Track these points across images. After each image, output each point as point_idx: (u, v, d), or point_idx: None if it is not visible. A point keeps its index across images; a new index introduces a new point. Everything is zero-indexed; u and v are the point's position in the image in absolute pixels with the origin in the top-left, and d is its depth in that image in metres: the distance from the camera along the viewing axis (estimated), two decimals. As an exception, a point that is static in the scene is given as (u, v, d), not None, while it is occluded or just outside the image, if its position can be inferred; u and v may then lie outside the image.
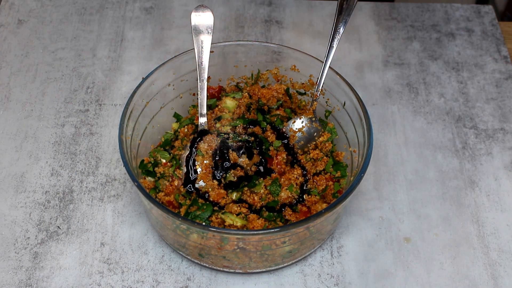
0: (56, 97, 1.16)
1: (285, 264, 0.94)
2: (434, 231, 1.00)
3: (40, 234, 0.98)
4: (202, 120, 0.99)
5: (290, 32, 1.29)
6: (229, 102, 1.03)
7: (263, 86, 1.06)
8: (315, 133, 1.00)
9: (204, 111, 0.99)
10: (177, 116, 1.05)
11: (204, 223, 0.90)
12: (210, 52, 1.01)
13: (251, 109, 1.03)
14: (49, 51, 1.23)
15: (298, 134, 1.00)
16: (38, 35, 1.26)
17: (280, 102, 1.04)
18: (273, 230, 0.84)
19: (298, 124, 1.00)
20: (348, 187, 0.90)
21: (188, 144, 0.98)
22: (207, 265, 0.93)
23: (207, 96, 1.04)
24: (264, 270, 0.93)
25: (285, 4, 1.34)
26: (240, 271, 0.93)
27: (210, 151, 0.96)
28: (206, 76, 0.98)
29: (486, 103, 1.17)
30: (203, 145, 0.96)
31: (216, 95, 1.05)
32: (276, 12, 1.33)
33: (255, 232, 0.87)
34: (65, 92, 1.17)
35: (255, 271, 0.93)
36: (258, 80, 1.06)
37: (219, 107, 1.03)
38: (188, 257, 0.94)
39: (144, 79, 0.98)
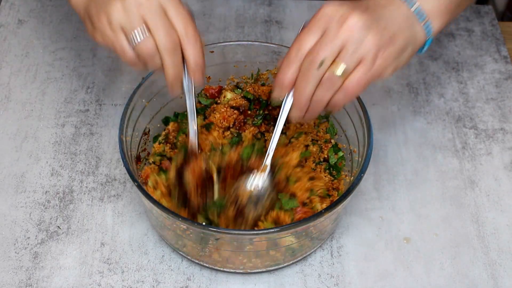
0: (56, 97, 1.16)
1: (285, 264, 0.94)
2: (434, 231, 1.00)
3: (40, 234, 0.98)
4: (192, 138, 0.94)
5: (290, 32, 1.29)
6: (229, 95, 1.02)
7: (263, 84, 1.06)
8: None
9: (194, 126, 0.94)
10: (176, 116, 1.05)
11: (204, 223, 0.90)
12: (210, 52, 1.01)
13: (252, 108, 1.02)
14: (49, 51, 1.23)
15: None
16: (38, 35, 1.26)
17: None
18: (273, 230, 0.84)
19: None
20: (348, 187, 0.90)
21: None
22: (207, 265, 0.93)
23: (206, 96, 1.05)
24: (264, 270, 0.93)
25: (285, 4, 1.34)
26: (240, 271, 0.93)
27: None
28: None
29: (486, 103, 1.17)
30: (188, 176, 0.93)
31: (216, 95, 1.05)
32: (276, 12, 1.33)
33: (255, 232, 0.87)
34: (65, 92, 1.17)
35: (255, 271, 0.93)
36: (258, 80, 1.06)
37: (219, 101, 1.02)
38: (188, 257, 0.94)
39: (144, 79, 0.98)
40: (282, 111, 0.87)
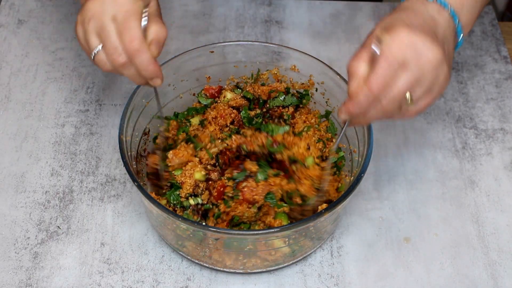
0: (56, 97, 1.16)
1: (285, 264, 0.94)
2: (434, 231, 1.00)
3: (40, 234, 0.98)
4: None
5: (290, 32, 1.29)
6: (229, 95, 1.02)
7: (263, 84, 1.06)
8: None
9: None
10: (176, 116, 1.05)
11: (204, 223, 0.90)
12: (210, 52, 1.01)
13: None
14: (49, 51, 1.23)
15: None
16: (38, 35, 1.26)
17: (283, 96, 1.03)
18: (273, 230, 0.84)
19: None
20: (348, 187, 0.90)
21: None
22: (207, 265, 0.93)
23: (206, 96, 1.05)
24: (264, 270, 0.93)
25: (285, 4, 1.34)
26: (240, 271, 0.93)
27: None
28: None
29: (486, 103, 1.17)
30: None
31: (216, 95, 1.05)
32: (276, 12, 1.33)
33: (255, 232, 0.87)
34: (65, 92, 1.17)
35: (255, 271, 0.93)
36: (258, 80, 1.06)
37: (219, 101, 1.02)
38: (188, 257, 0.94)
39: (144, 79, 0.98)
40: (345, 127, 0.88)
